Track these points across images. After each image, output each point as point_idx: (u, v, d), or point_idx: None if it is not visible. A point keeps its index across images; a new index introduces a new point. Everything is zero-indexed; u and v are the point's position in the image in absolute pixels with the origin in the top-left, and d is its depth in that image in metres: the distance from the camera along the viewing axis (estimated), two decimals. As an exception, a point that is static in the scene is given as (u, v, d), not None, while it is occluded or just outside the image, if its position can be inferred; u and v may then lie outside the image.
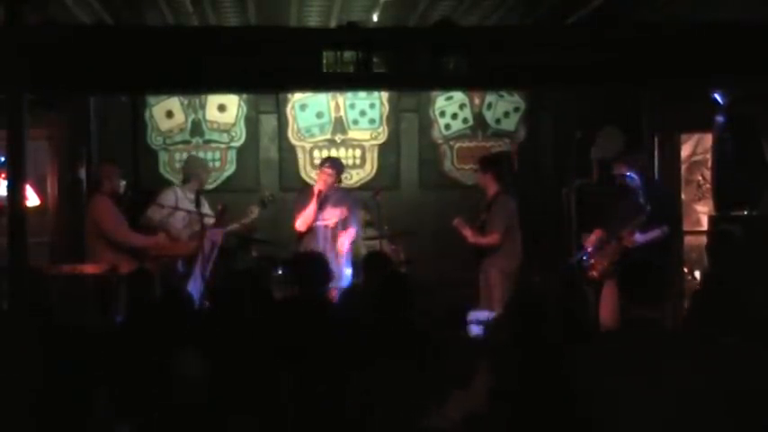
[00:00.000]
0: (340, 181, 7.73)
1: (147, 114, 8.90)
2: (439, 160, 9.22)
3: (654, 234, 6.55)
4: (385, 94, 9.02)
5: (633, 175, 6.64)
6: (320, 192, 7.42)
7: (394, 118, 9.13)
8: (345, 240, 7.48)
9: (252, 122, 9.02)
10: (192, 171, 7.66)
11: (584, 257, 6.84)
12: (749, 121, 6.81)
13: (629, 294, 3.72)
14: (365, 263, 5.88)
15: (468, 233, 7.25)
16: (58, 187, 8.16)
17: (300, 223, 7.43)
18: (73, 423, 3.81)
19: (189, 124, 8.96)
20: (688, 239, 7.76)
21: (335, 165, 7.64)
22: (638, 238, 6.54)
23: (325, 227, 7.47)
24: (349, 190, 8.16)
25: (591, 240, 6.89)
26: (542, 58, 5.53)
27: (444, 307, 5.92)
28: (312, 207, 7.40)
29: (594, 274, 6.76)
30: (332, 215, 7.49)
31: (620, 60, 5.63)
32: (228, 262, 7.50)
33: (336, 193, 7.59)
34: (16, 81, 5.15)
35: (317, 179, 7.65)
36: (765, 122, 6.74)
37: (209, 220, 7.34)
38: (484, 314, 6.79)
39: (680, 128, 7.95)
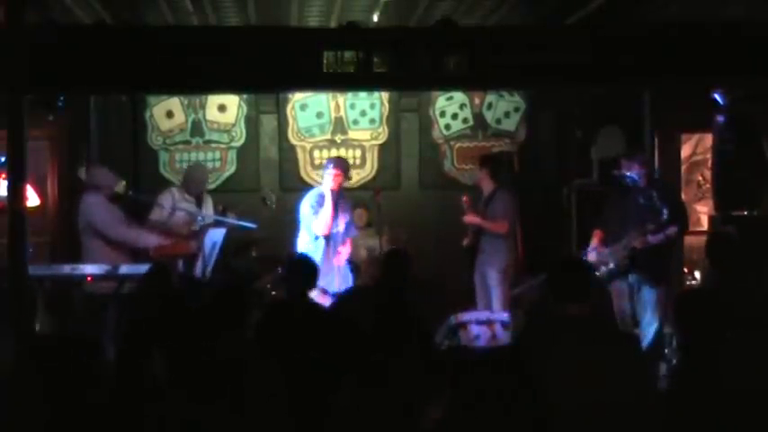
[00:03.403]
0: (349, 178, 7.59)
1: (147, 114, 8.90)
2: (439, 160, 9.22)
3: (663, 236, 6.46)
4: (385, 95, 9.02)
5: (634, 175, 6.59)
6: (333, 191, 7.17)
7: (394, 118, 9.13)
8: (344, 256, 7.35)
9: (252, 122, 9.02)
10: (188, 178, 7.56)
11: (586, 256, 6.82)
12: (749, 121, 6.81)
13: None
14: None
15: (474, 218, 7.25)
16: (57, 187, 8.15)
17: (321, 227, 7.17)
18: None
19: (189, 124, 8.97)
20: (688, 239, 7.74)
21: (340, 164, 7.41)
22: (650, 239, 6.47)
23: (336, 232, 7.35)
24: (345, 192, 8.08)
25: (595, 241, 6.83)
26: (542, 58, 5.52)
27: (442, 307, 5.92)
28: (329, 208, 7.17)
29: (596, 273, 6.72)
30: (340, 221, 7.40)
31: (621, 60, 5.62)
32: (229, 262, 7.49)
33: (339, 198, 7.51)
34: (16, 81, 5.15)
35: (325, 181, 7.27)
36: (765, 122, 6.75)
37: (210, 220, 7.32)
38: (483, 315, 6.80)
39: (680, 128, 7.95)
